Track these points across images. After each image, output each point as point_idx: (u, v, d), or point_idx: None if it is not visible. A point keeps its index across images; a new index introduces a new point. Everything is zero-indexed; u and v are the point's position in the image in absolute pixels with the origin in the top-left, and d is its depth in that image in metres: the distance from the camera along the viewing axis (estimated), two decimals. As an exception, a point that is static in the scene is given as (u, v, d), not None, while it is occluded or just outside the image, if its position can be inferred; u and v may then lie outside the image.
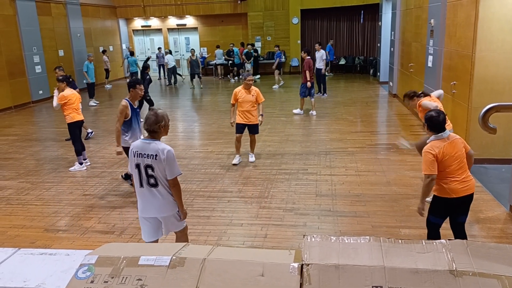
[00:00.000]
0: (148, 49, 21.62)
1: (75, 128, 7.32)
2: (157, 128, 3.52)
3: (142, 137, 5.34)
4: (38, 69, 14.65)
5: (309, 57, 10.91)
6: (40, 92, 14.64)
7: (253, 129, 7.23)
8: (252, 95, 7.01)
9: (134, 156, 3.54)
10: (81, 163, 7.34)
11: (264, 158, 7.53)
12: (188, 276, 1.98)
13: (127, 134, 5.79)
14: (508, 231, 4.72)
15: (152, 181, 3.52)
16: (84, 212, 5.63)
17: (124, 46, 20.55)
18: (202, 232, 4.84)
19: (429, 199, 5.52)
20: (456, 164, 3.76)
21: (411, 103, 5.55)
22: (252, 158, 7.41)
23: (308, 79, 10.64)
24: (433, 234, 3.98)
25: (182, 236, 3.85)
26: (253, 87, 7.06)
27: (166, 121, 3.60)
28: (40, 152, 8.34)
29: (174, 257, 2.06)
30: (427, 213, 3.99)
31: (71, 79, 9.22)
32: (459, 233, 3.99)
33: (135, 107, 5.89)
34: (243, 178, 6.61)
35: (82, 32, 17.50)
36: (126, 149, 5.90)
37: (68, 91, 7.26)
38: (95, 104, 13.75)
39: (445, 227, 4.82)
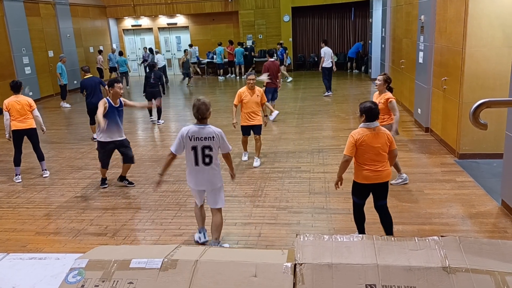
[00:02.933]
0: (139, 48, 21.49)
1: (15, 137, 6.83)
2: (208, 114, 4.23)
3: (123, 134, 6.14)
4: (27, 70, 14.49)
5: (272, 59, 10.26)
6: (30, 93, 14.47)
7: (257, 129, 7.08)
8: (257, 96, 6.88)
9: (191, 140, 4.16)
10: (16, 174, 6.92)
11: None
12: (180, 278, 1.96)
13: (100, 129, 5.89)
14: (500, 225, 4.75)
15: (207, 160, 4.21)
16: (76, 214, 5.58)
17: (114, 46, 20.41)
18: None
19: (394, 181, 5.69)
20: (372, 154, 4.05)
21: (382, 86, 5.74)
22: (257, 162, 7.08)
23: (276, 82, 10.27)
24: (357, 212, 4.40)
25: (217, 213, 4.43)
26: (256, 87, 6.93)
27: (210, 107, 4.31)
28: (31, 155, 8.21)
29: (165, 260, 2.04)
30: (351, 195, 4.38)
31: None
32: (382, 214, 4.36)
33: (115, 105, 5.96)
34: (237, 177, 6.58)
35: (72, 33, 17.33)
36: (101, 144, 6.07)
37: (11, 98, 6.74)
38: (68, 106, 13.69)
39: (438, 223, 4.84)
